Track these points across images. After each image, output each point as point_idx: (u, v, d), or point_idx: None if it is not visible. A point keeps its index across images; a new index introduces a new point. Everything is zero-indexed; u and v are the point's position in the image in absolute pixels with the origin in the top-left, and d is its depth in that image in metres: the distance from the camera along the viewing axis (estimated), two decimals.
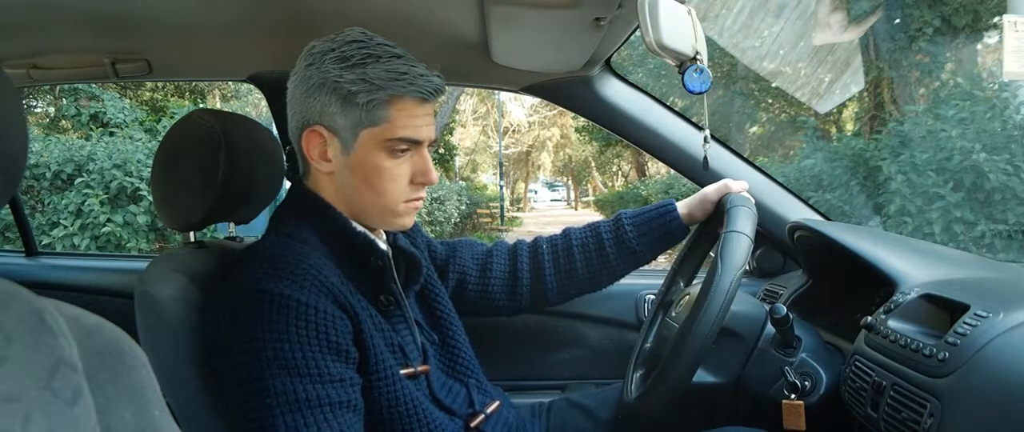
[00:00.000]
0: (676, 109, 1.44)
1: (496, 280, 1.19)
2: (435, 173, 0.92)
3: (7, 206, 1.22)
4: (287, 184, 1.30)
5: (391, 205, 0.89)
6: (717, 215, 1.14)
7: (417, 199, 0.92)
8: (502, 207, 18.30)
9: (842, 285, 1.29)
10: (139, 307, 0.88)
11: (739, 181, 1.18)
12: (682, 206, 1.19)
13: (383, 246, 0.93)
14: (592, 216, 22.09)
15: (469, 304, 1.17)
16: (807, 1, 6.55)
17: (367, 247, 0.89)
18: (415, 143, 0.88)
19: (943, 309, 0.93)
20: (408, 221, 0.93)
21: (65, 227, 5.77)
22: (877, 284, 1.10)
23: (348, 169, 0.88)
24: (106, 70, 1.34)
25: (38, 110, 9.79)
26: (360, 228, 0.90)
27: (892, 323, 0.94)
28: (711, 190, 1.17)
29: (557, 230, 1.25)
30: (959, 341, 0.81)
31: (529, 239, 1.25)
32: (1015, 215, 3.89)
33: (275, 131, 1.41)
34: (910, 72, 6.74)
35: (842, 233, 1.20)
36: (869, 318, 0.98)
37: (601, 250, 1.18)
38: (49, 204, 5.97)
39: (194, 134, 0.95)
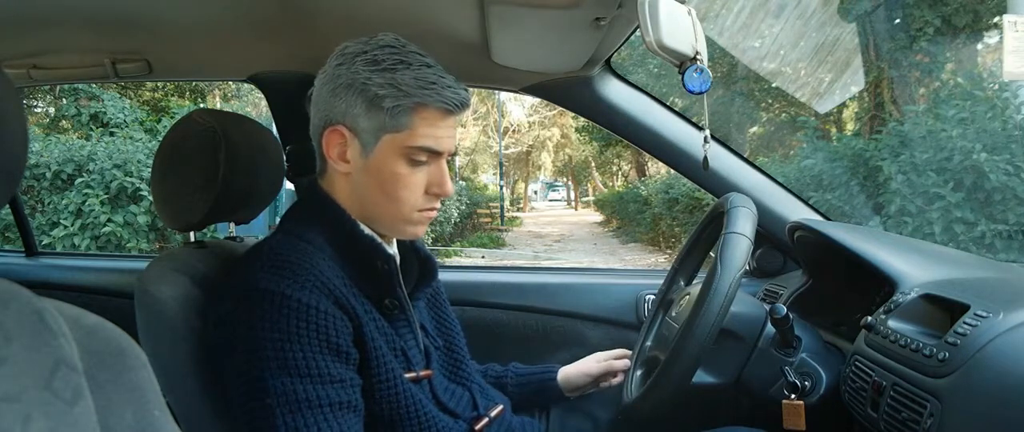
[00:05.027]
0: (676, 109, 1.44)
1: None
2: (451, 185, 0.91)
3: (7, 206, 1.22)
4: (288, 184, 1.30)
5: (405, 213, 0.89)
6: (717, 216, 1.14)
7: (431, 209, 0.91)
8: (502, 207, 18.27)
9: (842, 285, 1.29)
10: (139, 307, 0.88)
11: (621, 359, 1.24)
12: (561, 372, 1.23)
13: (391, 250, 0.93)
14: (592, 216, 22.09)
15: None
16: (807, 1, 6.55)
17: (373, 251, 0.89)
18: (434, 154, 0.88)
19: (943, 309, 0.93)
20: (419, 231, 0.92)
21: (65, 227, 5.78)
22: (877, 284, 1.10)
23: (365, 172, 0.87)
24: (106, 70, 1.34)
25: (38, 110, 9.80)
26: (368, 231, 0.90)
27: (892, 323, 0.95)
28: (593, 366, 1.23)
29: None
30: (959, 341, 0.81)
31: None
32: (1015, 215, 3.89)
33: (275, 131, 1.41)
34: (910, 72, 6.74)
35: (842, 233, 1.20)
36: (869, 318, 0.99)
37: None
38: (49, 204, 5.98)
39: (194, 134, 0.95)
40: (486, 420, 0.98)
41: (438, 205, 0.93)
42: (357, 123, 0.85)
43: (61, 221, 5.81)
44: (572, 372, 1.23)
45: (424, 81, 0.83)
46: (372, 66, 0.83)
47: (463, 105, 0.87)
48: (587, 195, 30.19)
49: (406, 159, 0.86)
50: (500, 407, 1.02)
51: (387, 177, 0.86)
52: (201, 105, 10.01)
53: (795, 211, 1.43)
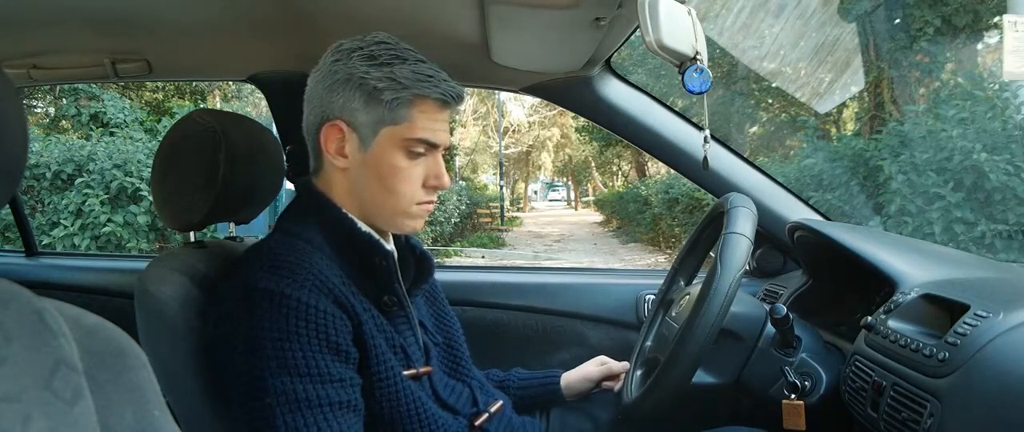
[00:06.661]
0: (676, 109, 1.44)
1: None
2: (448, 178, 0.93)
3: (7, 206, 1.22)
4: (288, 184, 1.30)
5: (403, 206, 0.89)
6: (717, 216, 1.15)
7: (429, 202, 0.92)
8: (502, 207, 18.27)
9: (842, 285, 1.29)
10: (139, 307, 0.88)
11: (621, 363, 1.25)
12: (564, 377, 1.24)
13: (388, 247, 0.93)
14: (592, 216, 22.09)
15: None
16: (807, 1, 6.55)
17: (371, 247, 0.89)
18: (432, 146, 0.89)
19: (943, 309, 0.93)
20: (418, 224, 0.93)
21: (65, 227, 5.78)
22: (877, 284, 1.10)
23: (364, 166, 0.88)
24: (106, 70, 1.34)
25: (38, 110, 9.80)
26: (365, 228, 0.90)
27: (892, 323, 0.95)
28: (593, 371, 1.24)
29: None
30: (959, 341, 0.81)
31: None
32: (1015, 215, 3.89)
33: (275, 131, 1.41)
34: (910, 72, 6.75)
35: (842, 233, 1.20)
36: (869, 318, 0.99)
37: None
38: (49, 204, 5.98)
39: (194, 134, 0.95)
40: (486, 416, 0.98)
41: (435, 198, 0.94)
42: (355, 117, 0.85)
43: (61, 221, 5.81)
44: (574, 377, 1.23)
45: (421, 74, 0.85)
46: (369, 61, 0.84)
47: (458, 98, 0.88)
48: (587, 195, 30.18)
49: (405, 152, 0.87)
50: (500, 403, 1.02)
51: (386, 170, 0.87)
52: (202, 105, 10.01)
53: (795, 211, 1.43)
